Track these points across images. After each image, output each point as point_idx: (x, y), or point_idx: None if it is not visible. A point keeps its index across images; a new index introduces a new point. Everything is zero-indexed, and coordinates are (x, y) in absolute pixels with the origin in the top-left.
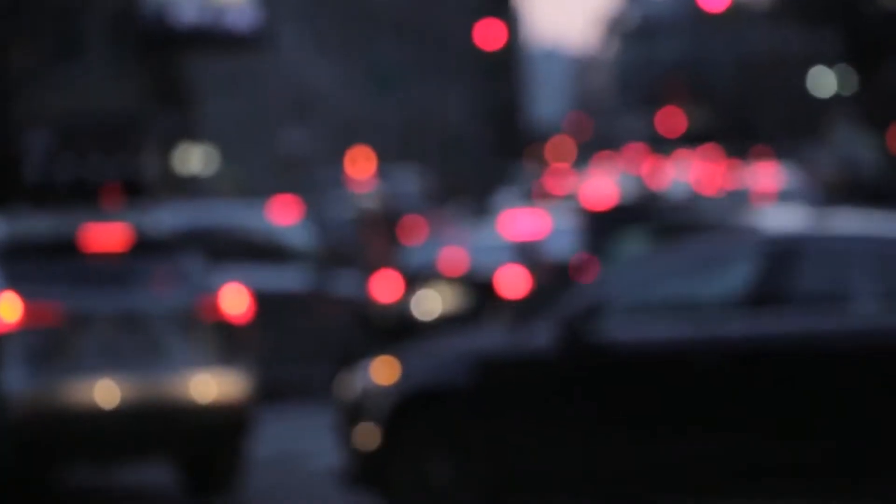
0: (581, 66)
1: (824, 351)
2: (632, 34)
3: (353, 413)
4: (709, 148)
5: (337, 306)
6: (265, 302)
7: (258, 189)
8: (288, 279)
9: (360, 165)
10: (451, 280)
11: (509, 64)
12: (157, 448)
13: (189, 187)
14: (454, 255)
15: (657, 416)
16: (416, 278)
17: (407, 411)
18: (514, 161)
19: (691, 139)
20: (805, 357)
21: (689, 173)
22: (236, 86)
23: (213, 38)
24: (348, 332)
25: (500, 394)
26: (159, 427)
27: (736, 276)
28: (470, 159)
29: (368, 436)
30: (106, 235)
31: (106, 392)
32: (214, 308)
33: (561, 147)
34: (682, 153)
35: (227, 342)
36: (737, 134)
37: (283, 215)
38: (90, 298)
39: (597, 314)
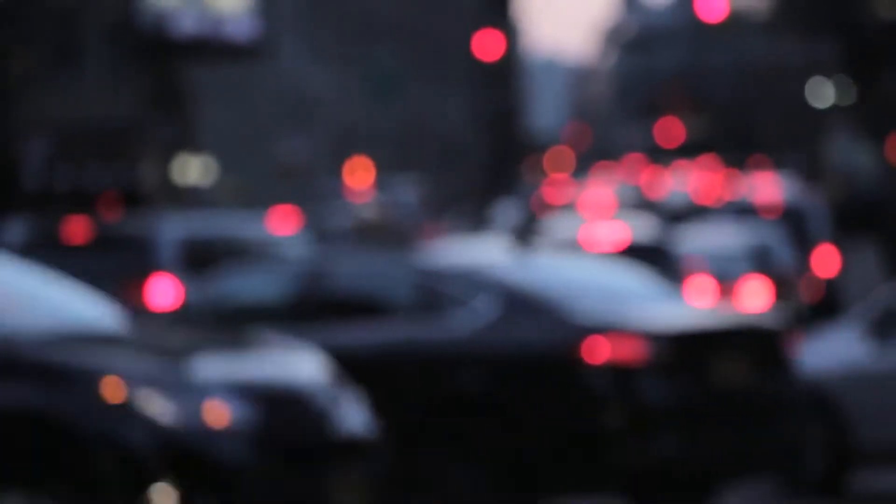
0: (580, 76)
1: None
2: (630, 44)
3: None
4: (707, 158)
5: None
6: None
7: (257, 199)
8: None
9: (359, 175)
10: None
11: (508, 73)
12: None
13: (188, 197)
14: None
15: None
16: None
17: None
18: (513, 171)
19: (690, 149)
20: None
21: (687, 183)
22: (235, 95)
23: (211, 47)
24: None
25: None
26: None
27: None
28: (468, 169)
29: None
30: None
31: None
32: None
33: (560, 157)
34: (681, 163)
35: None
36: (735, 144)
37: (281, 225)
38: None
39: None
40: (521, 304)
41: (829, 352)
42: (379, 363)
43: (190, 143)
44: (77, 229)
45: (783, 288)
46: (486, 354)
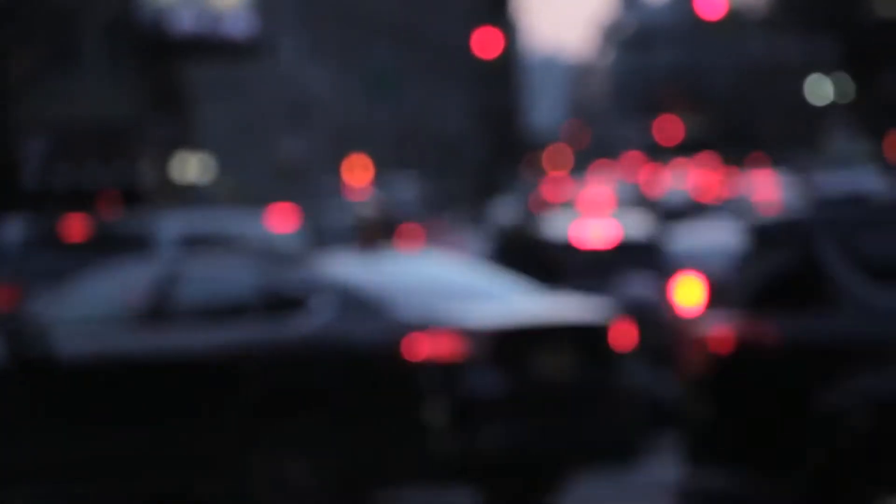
0: (578, 74)
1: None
2: (629, 42)
3: None
4: (706, 156)
5: None
6: None
7: (255, 197)
8: None
9: (358, 173)
10: None
11: (507, 71)
12: None
13: (186, 195)
14: None
15: (85, 420)
16: None
17: None
18: (512, 169)
19: (688, 147)
20: (187, 366)
21: (686, 181)
22: (233, 93)
23: (210, 46)
24: None
25: None
26: None
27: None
28: (467, 167)
29: None
30: None
31: None
32: None
33: (558, 155)
34: (680, 161)
35: None
36: (734, 142)
37: (280, 223)
38: None
39: (42, 330)
40: (355, 305)
41: None
42: (224, 363)
43: (188, 141)
44: (76, 227)
45: None
46: (322, 354)
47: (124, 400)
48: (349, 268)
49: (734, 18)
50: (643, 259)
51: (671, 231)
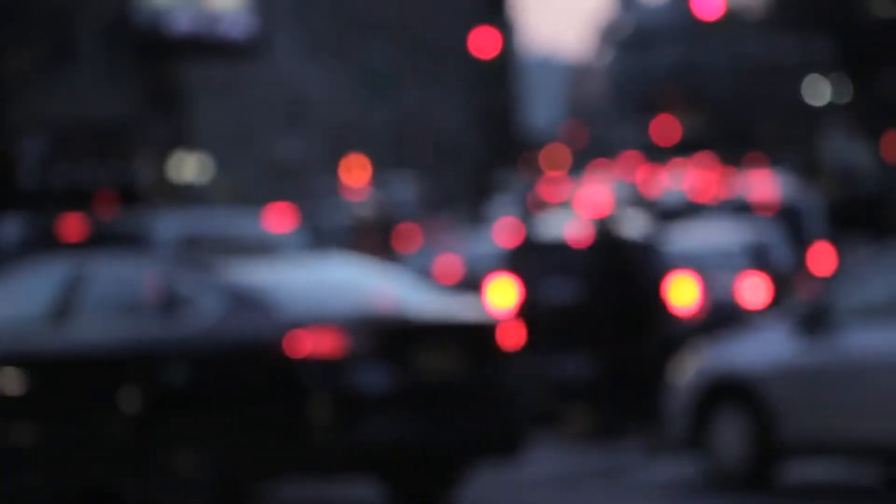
0: (576, 74)
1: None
2: (626, 42)
3: None
4: (703, 156)
5: None
6: None
7: (253, 197)
8: None
9: (355, 173)
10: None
11: (504, 71)
12: None
13: (184, 195)
14: (449, 263)
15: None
16: None
17: None
18: (509, 169)
19: (686, 147)
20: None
21: (683, 181)
22: (231, 93)
23: (207, 46)
24: None
25: None
26: None
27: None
28: (465, 167)
29: None
30: None
31: None
32: None
33: (556, 155)
34: (677, 161)
35: None
36: (732, 142)
37: (277, 223)
38: None
39: None
40: (242, 304)
41: (759, 348)
42: (118, 360)
43: (186, 140)
44: (73, 227)
45: (780, 285)
46: (209, 351)
47: (26, 397)
48: (243, 269)
49: (732, 19)
50: (640, 259)
51: (668, 231)
